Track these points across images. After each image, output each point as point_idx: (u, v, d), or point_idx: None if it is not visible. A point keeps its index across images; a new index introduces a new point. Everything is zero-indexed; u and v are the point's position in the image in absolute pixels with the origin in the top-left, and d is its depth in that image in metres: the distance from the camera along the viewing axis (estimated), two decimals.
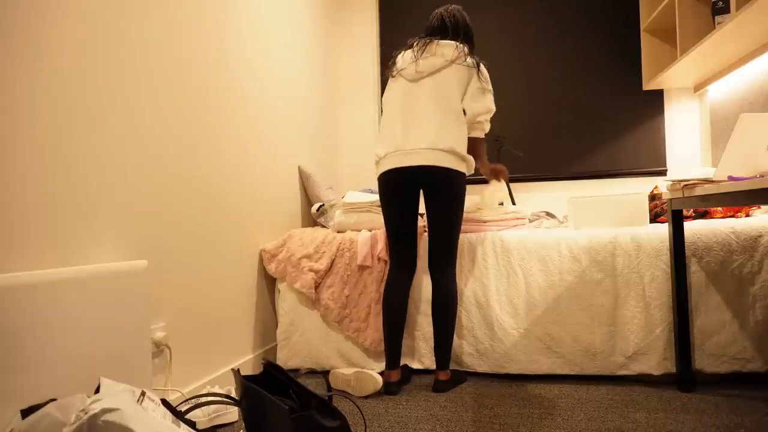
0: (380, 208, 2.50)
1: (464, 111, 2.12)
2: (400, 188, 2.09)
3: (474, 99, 2.11)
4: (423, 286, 2.33)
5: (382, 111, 2.26)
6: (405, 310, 2.16)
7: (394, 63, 2.23)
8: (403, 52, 2.23)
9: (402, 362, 2.32)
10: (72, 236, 1.37)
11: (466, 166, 2.10)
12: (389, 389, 2.10)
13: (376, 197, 2.52)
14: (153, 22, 1.72)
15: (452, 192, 2.06)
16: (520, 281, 2.24)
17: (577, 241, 2.21)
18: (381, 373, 2.18)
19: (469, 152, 2.18)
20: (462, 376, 2.21)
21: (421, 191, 2.12)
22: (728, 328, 2.07)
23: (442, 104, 2.08)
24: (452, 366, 2.29)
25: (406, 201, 2.11)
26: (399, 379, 2.14)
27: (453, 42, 2.13)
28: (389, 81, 2.25)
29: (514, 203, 3.34)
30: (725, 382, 2.08)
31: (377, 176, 2.16)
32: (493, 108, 2.16)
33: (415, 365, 2.31)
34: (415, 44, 2.19)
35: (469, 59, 2.11)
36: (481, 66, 2.13)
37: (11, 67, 1.22)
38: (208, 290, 2.00)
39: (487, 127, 2.18)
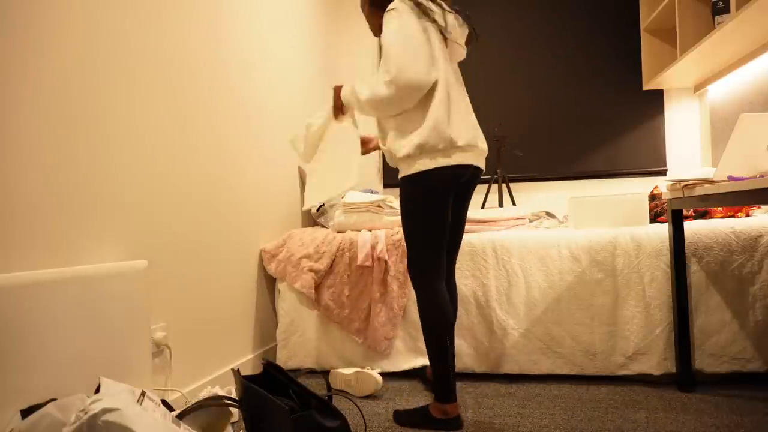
0: (381, 209, 2.49)
1: None
2: (459, 188, 1.83)
3: None
4: None
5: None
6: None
7: (440, 15, 1.75)
8: (444, 11, 1.77)
9: (402, 362, 2.31)
10: (72, 236, 1.37)
11: None
12: (457, 424, 1.73)
13: (376, 197, 2.51)
14: (153, 23, 1.72)
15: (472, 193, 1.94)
16: (520, 281, 2.24)
17: (577, 241, 2.21)
18: (385, 375, 2.18)
19: None
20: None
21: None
22: (728, 328, 2.07)
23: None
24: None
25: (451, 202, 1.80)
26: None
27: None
28: (428, 31, 1.68)
29: (514, 203, 3.34)
30: (725, 382, 2.08)
31: (434, 167, 1.68)
32: None
33: (416, 366, 2.31)
34: (463, 19, 1.83)
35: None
36: None
37: (11, 67, 1.22)
38: (208, 290, 2.00)
39: None
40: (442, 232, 1.75)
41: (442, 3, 1.78)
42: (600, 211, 2.34)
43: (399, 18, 1.65)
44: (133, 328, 1.46)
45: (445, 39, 1.77)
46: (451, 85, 1.75)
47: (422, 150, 1.68)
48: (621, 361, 2.13)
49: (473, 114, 1.83)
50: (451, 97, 1.73)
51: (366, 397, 2.08)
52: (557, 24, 3.60)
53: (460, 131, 1.71)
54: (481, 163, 1.81)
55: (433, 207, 1.72)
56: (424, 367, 2.30)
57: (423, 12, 1.68)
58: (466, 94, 1.83)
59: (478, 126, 1.83)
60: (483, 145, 1.81)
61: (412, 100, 1.66)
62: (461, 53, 1.87)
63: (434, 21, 1.70)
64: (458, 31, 1.81)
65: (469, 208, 2.67)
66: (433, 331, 1.73)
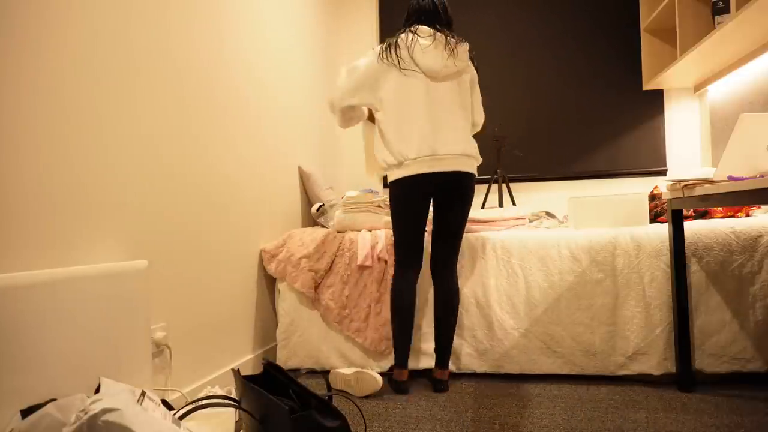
0: (380, 209, 2.50)
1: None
2: (425, 193, 2.07)
3: (478, 108, 2.24)
4: (426, 288, 2.33)
5: (386, 107, 2.08)
6: (415, 310, 2.18)
7: (397, 47, 2.06)
8: (416, 38, 2.05)
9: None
10: (72, 236, 1.37)
11: (476, 166, 2.16)
12: (400, 388, 2.11)
13: (377, 197, 2.51)
14: (152, 22, 1.72)
15: (470, 196, 2.12)
16: (520, 281, 2.24)
17: (577, 241, 2.21)
18: (385, 373, 2.18)
19: None
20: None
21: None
22: (728, 328, 2.07)
23: (463, 106, 2.11)
24: (452, 366, 2.29)
25: (426, 205, 2.10)
26: (408, 379, 2.16)
27: (466, 44, 2.14)
28: (387, 68, 2.06)
29: (514, 203, 3.34)
30: (725, 382, 2.08)
31: (396, 178, 2.05)
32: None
33: (416, 366, 2.31)
34: (439, 35, 2.07)
35: (473, 63, 2.20)
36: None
37: (10, 67, 1.22)
38: (208, 290, 2.00)
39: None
40: (407, 233, 2.10)
41: (417, 32, 2.08)
42: (600, 211, 2.34)
43: (365, 55, 2.15)
44: (133, 328, 1.46)
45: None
46: (413, 102, 2.04)
47: (387, 164, 2.07)
48: (621, 361, 2.13)
49: (447, 123, 2.05)
50: (406, 114, 2.04)
51: (366, 397, 2.08)
52: (557, 24, 3.60)
53: (410, 145, 2.02)
54: (448, 168, 2.02)
55: (399, 211, 2.09)
56: (423, 370, 2.30)
57: (387, 53, 2.07)
58: (446, 104, 2.06)
59: (451, 132, 2.04)
60: (448, 150, 2.02)
61: (335, 116, 2.23)
62: (459, 64, 2.08)
63: (396, 57, 2.06)
64: (429, 55, 2.05)
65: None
66: (391, 308, 2.15)
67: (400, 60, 2.05)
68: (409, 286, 2.13)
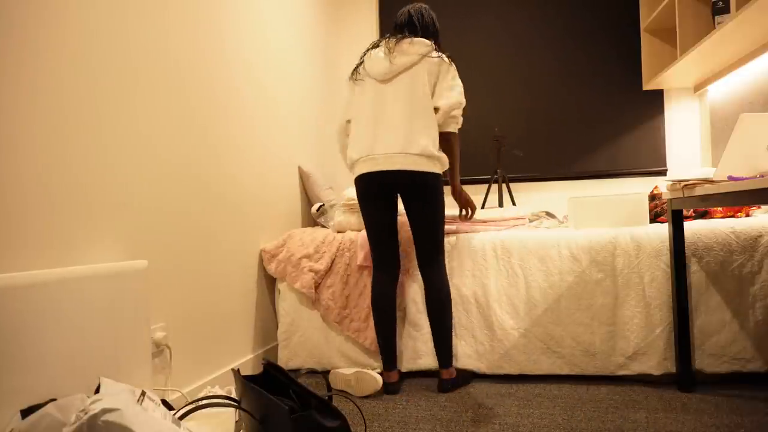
0: None
1: (437, 108, 2.10)
2: (374, 193, 2.10)
3: (445, 94, 2.10)
4: (420, 285, 2.33)
5: (346, 116, 2.25)
6: (394, 311, 2.16)
7: (361, 64, 2.20)
8: (370, 52, 2.19)
9: (401, 364, 2.32)
10: (72, 236, 1.37)
11: (439, 165, 2.10)
12: (389, 389, 2.11)
13: None
14: (152, 22, 1.72)
15: (428, 193, 2.07)
16: (520, 281, 2.24)
17: (577, 241, 2.21)
18: (381, 374, 2.18)
19: (444, 148, 2.15)
20: (468, 377, 2.22)
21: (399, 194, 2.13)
22: (728, 328, 2.07)
23: (413, 104, 2.07)
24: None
25: (382, 204, 2.12)
26: (399, 379, 2.15)
27: (425, 40, 2.13)
28: (353, 84, 2.22)
29: (514, 203, 3.34)
30: (725, 382, 2.08)
31: (354, 178, 2.18)
32: (464, 101, 2.14)
33: (416, 367, 2.31)
34: (386, 41, 2.16)
35: (437, 53, 2.12)
36: (450, 60, 2.15)
37: (10, 67, 1.22)
38: (208, 290, 2.00)
39: (461, 120, 2.16)
40: (372, 231, 2.17)
41: (377, 45, 2.19)
42: (600, 211, 2.34)
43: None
44: (133, 328, 1.46)
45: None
46: (363, 107, 2.15)
47: (348, 168, 2.22)
48: (621, 361, 2.13)
49: (387, 124, 2.08)
50: (359, 120, 2.16)
51: (366, 397, 2.08)
52: (557, 24, 3.60)
53: (356, 147, 2.13)
54: (386, 167, 2.04)
55: (361, 212, 2.19)
56: (423, 370, 2.30)
57: (354, 72, 2.23)
58: (388, 105, 2.09)
59: (390, 132, 2.06)
60: (385, 149, 2.05)
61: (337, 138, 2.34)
62: (408, 60, 2.10)
63: (355, 77, 2.21)
64: (376, 61, 2.14)
65: None
66: (371, 311, 2.20)
67: (356, 74, 2.22)
68: (383, 288, 2.15)
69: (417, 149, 2.04)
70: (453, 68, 2.14)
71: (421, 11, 2.22)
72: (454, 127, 2.15)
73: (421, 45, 2.11)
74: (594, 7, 3.55)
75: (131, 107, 1.61)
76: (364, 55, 2.22)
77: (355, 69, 2.23)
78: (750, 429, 1.63)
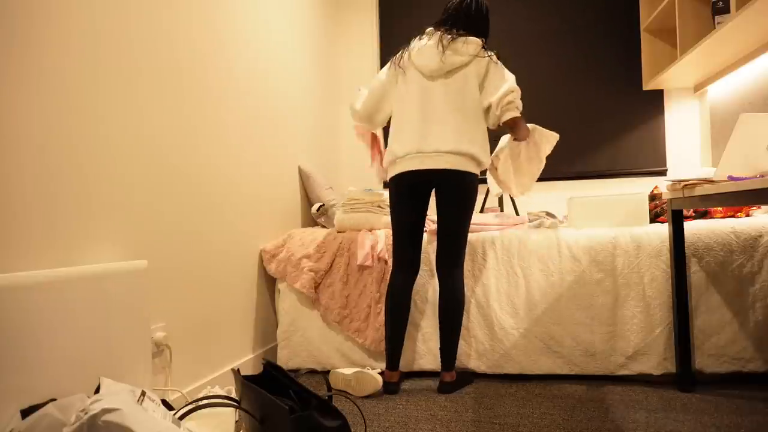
0: (380, 209, 2.50)
1: (489, 105, 2.07)
2: (416, 190, 2.10)
3: (496, 85, 2.07)
4: (425, 287, 2.33)
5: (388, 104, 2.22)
6: (408, 312, 2.16)
7: (406, 50, 2.17)
8: (420, 41, 2.15)
9: (402, 363, 2.31)
10: (71, 236, 1.37)
11: (478, 167, 2.11)
12: (389, 389, 2.12)
13: (377, 197, 2.51)
14: (153, 22, 1.72)
15: (466, 195, 2.08)
16: (520, 281, 2.24)
17: (577, 241, 2.22)
18: (381, 373, 2.18)
19: (516, 137, 2.17)
20: (469, 378, 2.21)
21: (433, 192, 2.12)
22: (728, 328, 2.07)
23: (461, 104, 2.06)
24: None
25: (419, 203, 2.12)
26: (399, 380, 2.15)
27: (477, 39, 2.08)
28: (394, 70, 2.19)
29: (517, 213, 3.32)
30: (725, 382, 2.08)
31: (390, 176, 2.15)
32: (516, 87, 2.05)
33: (415, 367, 2.31)
34: (441, 35, 2.09)
35: (485, 53, 2.09)
36: (497, 59, 2.11)
37: (10, 66, 1.22)
38: (208, 290, 2.00)
39: (520, 104, 2.07)
40: (399, 229, 2.14)
41: (425, 33, 2.18)
42: (600, 211, 2.34)
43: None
44: (133, 328, 1.46)
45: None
46: (408, 102, 2.12)
47: (387, 163, 2.17)
48: (621, 361, 2.13)
49: (437, 122, 2.05)
50: (403, 114, 2.13)
51: (366, 397, 2.08)
52: (557, 24, 3.60)
53: (402, 143, 2.09)
54: (434, 165, 2.03)
55: (393, 209, 2.15)
56: (423, 370, 2.30)
57: (395, 62, 2.20)
58: (438, 102, 2.06)
59: (440, 130, 2.04)
60: (435, 147, 2.03)
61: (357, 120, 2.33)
62: (459, 60, 2.07)
63: (399, 63, 2.18)
64: (424, 54, 2.10)
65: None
66: (384, 307, 2.17)
67: (401, 61, 2.17)
68: (401, 285, 2.14)
69: (465, 149, 2.03)
70: (500, 66, 2.10)
71: (474, 1, 2.15)
72: (514, 113, 2.05)
73: (474, 46, 2.07)
74: (594, 7, 3.55)
75: (132, 107, 1.61)
76: (412, 41, 2.18)
77: (401, 54, 2.19)
78: (750, 429, 1.63)
